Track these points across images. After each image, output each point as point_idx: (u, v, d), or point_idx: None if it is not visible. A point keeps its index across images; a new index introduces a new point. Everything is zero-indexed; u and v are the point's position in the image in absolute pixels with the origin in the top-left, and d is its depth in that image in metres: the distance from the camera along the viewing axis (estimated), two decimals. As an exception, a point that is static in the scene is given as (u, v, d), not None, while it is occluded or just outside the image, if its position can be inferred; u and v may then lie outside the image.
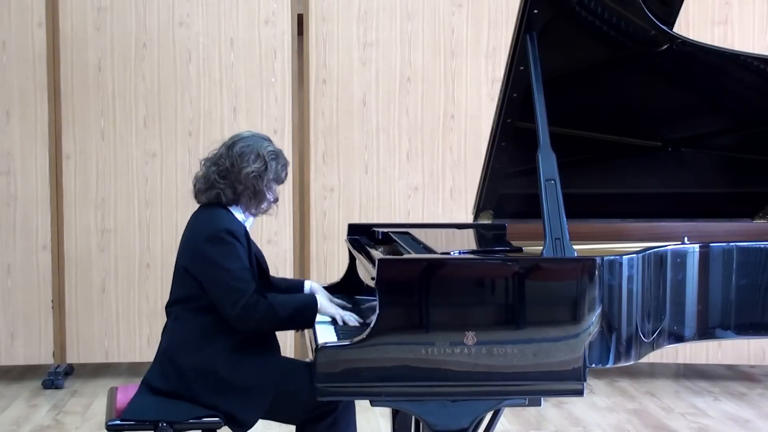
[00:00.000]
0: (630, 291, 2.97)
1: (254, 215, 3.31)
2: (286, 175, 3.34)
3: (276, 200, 3.33)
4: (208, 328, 3.15)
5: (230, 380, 3.12)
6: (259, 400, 3.15)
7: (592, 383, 5.58)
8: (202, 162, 3.31)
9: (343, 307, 3.32)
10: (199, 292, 3.16)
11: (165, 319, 3.33)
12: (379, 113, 5.77)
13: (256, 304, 3.07)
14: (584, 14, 3.39)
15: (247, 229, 3.26)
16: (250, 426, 3.17)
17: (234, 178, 3.21)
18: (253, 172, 3.20)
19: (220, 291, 3.10)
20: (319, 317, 3.22)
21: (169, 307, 3.29)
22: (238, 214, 3.26)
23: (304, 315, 3.19)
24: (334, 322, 3.23)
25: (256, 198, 3.25)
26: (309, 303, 3.22)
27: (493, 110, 3.61)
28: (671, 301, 3.13)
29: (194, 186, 3.31)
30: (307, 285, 3.50)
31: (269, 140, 3.31)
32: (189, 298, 3.20)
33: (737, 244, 3.29)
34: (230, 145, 3.27)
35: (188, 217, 3.33)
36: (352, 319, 3.21)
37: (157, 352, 3.27)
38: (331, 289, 3.68)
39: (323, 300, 3.27)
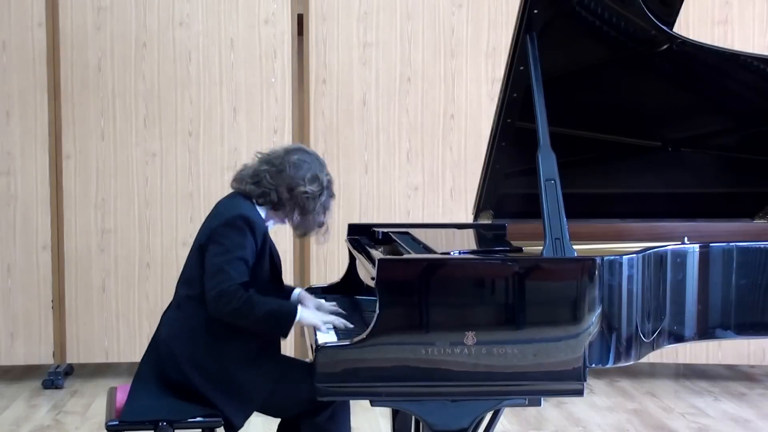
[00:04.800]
0: (630, 291, 2.97)
1: (301, 234, 3.28)
2: (330, 208, 3.29)
3: (321, 225, 3.28)
4: (210, 320, 3.11)
5: (224, 377, 3.10)
6: (249, 404, 3.14)
7: (592, 383, 5.58)
8: (256, 154, 3.30)
9: (336, 314, 3.26)
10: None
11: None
12: (379, 113, 5.77)
13: (234, 293, 3.02)
14: (584, 14, 3.39)
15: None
16: (238, 428, 3.15)
17: (285, 185, 3.19)
18: (307, 192, 3.18)
19: (210, 269, 3.09)
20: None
21: (178, 288, 3.28)
22: (262, 212, 3.24)
23: (278, 320, 3.07)
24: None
25: (303, 217, 3.23)
26: (288, 310, 3.10)
27: (493, 110, 3.61)
28: (671, 301, 3.13)
29: (239, 172, 3.29)
30: (296, 292, 3.41)
31: (326, 167, 3.29)
32: (196, 279, 3.17)
33: (737, 244, 3.30)
34: (290, 150, 3.27)
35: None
36: (338, 322, 3.14)
37: (153, 339, 3.27)
38: (331, 289, 3.68)
39: (306, 312, 3.14)
